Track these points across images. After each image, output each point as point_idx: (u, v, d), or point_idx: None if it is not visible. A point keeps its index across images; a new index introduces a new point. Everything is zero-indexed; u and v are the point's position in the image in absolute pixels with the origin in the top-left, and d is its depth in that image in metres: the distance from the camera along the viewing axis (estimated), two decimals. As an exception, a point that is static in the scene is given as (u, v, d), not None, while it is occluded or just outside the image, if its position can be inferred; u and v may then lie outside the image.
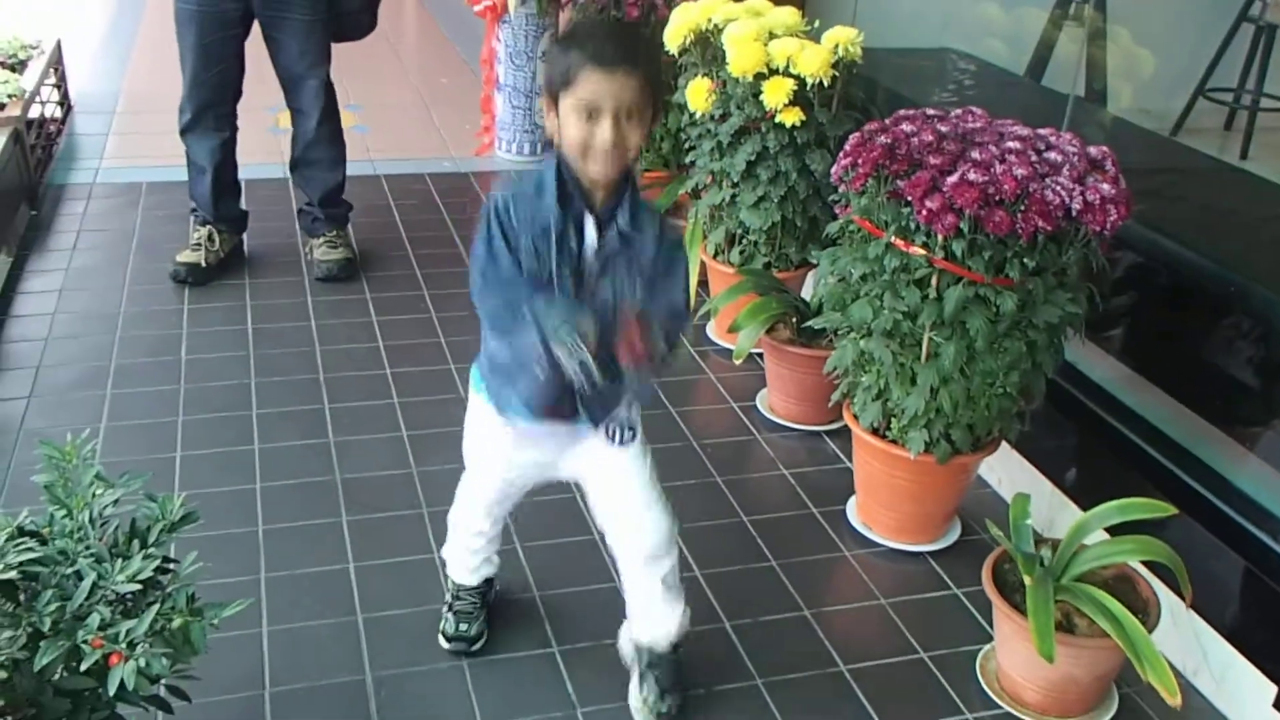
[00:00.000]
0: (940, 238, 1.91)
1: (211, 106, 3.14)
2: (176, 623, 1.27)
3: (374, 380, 2.77)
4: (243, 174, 3.36)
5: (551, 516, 2.23)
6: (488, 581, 1.96)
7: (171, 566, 1.40)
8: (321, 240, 3.33)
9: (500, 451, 1.72)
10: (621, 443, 1.66)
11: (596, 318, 1.45)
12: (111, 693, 1.19)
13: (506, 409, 1.63)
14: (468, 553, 1.91)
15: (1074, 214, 1.86)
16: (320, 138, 3.24)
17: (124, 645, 1.22)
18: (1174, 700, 1.64)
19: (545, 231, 1.47)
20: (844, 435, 2.49)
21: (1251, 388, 2.07)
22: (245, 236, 3.41)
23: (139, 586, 1.31)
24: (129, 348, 2.84)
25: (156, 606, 1.27)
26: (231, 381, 2.72)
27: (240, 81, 3.16)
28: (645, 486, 1.70)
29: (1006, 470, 2.41)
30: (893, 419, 2.15)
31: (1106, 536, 1.90)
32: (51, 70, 4.43)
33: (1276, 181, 2.60)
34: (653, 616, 1.78)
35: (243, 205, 3.40)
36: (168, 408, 2.59)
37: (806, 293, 2.83)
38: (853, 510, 2.36)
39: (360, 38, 3.28)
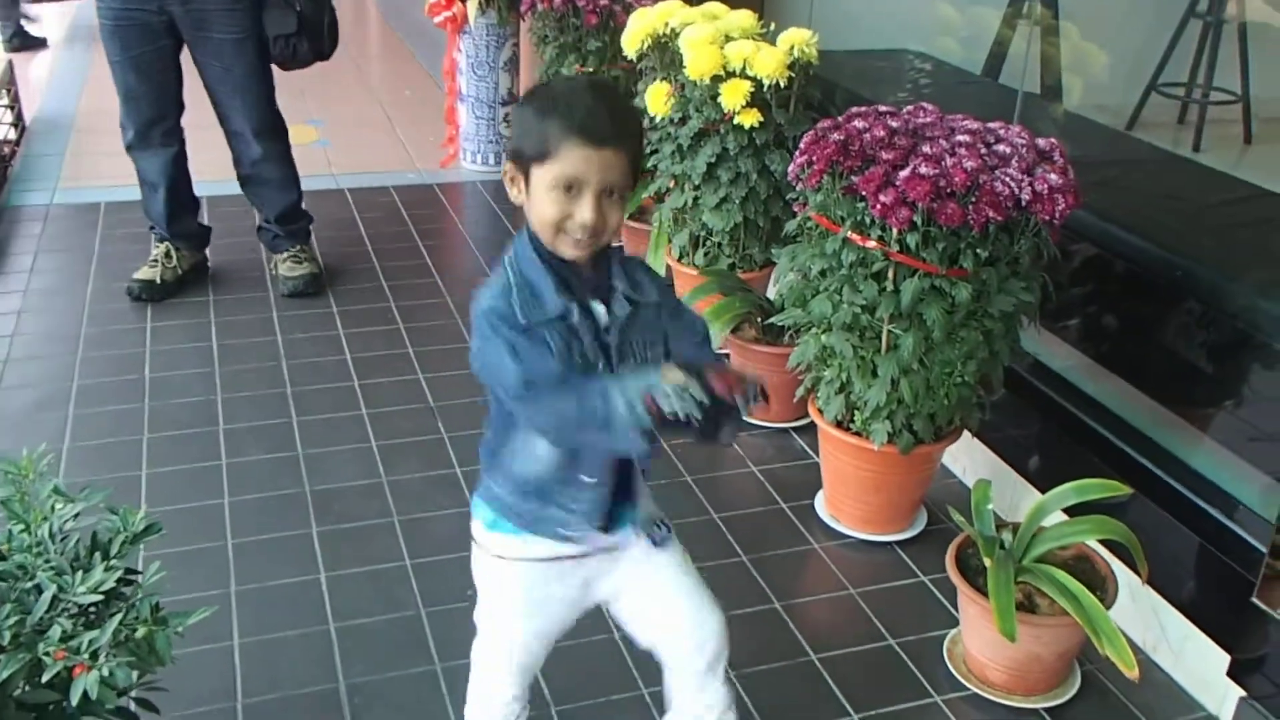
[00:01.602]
0: (895, 231, 1.94)
1: (155, 122, 3.08)
2: (140, 632, 1.27)
3: (342, 392, 2.77)
4: (211, 189, 3.36)
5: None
6: None
7: (134, 578, 1.39)
8: (285, 256, 3.30)
9: (528, 594, 1.46)
10: (660, 543, 1.48)
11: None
12: (75, 704, 1.19)
13: (550, 530, 1.40)
14: None
15: (1024, 204, 1.89)
16: (266, 157, 3.17)
17: (87, 656, 1.22)
18: (1131, 673, 1.67)
19: (562, 319, 1.29)
20: (810, 431, 2.52)
21: (1202, 371, 2.12)
22: (209, 252, 3.40)
23: (101, 598, 1.30)
24: (91, 368, 2.83)
25: (119, 616, 1.27)
26: (197, 398, 2.71)
27: (180, 93, 3.09)
28: (695, 587, 1.50)
29: (969, 459, 2.44)
30: (856, 411, 2.18)
31: (1065, 518, 1.93)
32: (4, 91, 4.41)
33: (1226, 172, 2.65)
34: None
35: (203, 221, 3.39)
36: (132, 426, 2.57)
37: (771, 292, 2.86)
38: (821, 503, 2.38)
39: (303, 66, 3.14)
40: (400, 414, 2.68)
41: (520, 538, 1.41)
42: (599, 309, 1.32)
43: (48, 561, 1.32)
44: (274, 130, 3.18)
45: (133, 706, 1.38)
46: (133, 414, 2.62)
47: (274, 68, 3.13)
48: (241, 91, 3.06)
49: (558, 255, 1.30)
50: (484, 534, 1.45)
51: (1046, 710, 1.87)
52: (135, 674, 1.26)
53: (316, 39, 3.09)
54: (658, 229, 3.02)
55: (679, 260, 2.98)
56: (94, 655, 1.23)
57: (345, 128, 4.87)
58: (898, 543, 2.28)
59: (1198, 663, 1.89)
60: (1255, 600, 1.73)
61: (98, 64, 5.61)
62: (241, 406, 2.68)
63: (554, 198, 1.26)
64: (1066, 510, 1.92)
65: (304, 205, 3.37)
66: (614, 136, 1.26)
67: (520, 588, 1.45)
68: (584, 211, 1.26)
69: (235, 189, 3.60)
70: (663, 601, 1.49)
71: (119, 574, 1.33)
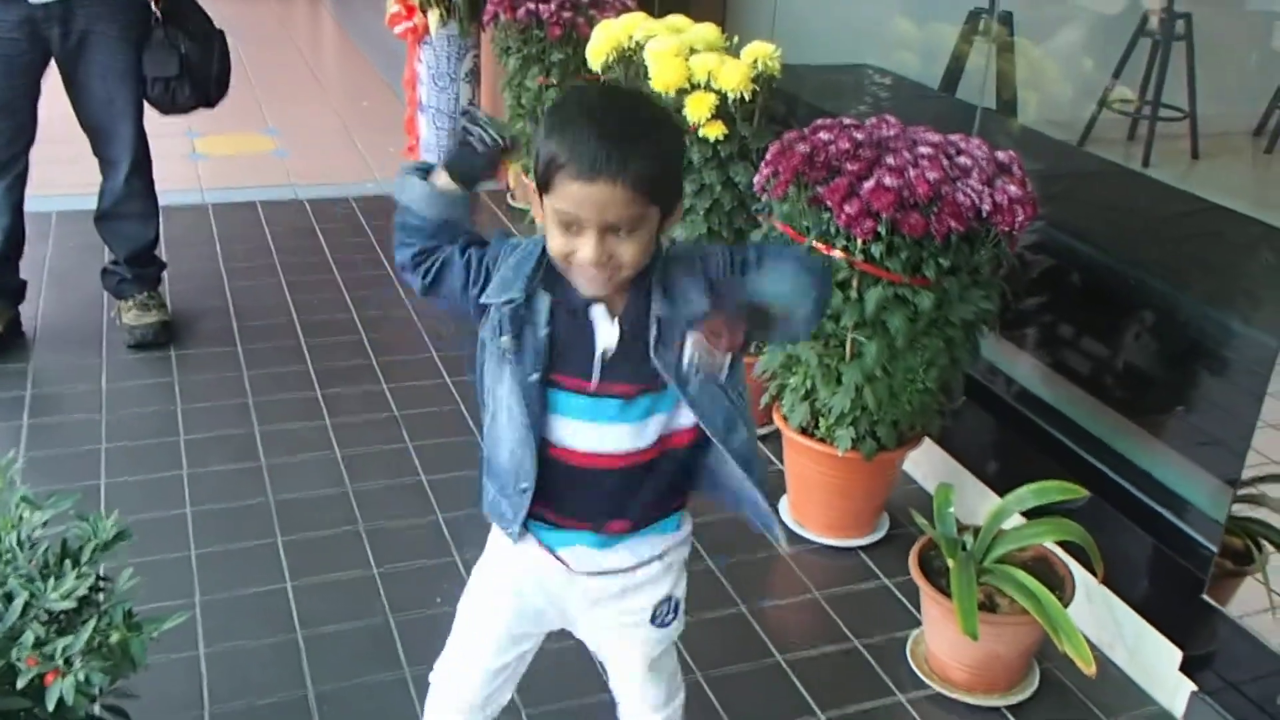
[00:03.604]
0: (859, 241, 1.98)
1: (8, 165, 2.78)
2: (115, 638, 1.26)
3: (305, 403, 2.75)
4: (160, 201, 3.30)
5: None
6: None
7: (106, 585, 1.38)
8: (131, 304, 2.98)
9: (509, 585, 1.40)
10: (664, 625, 1.41)
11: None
12: (51, 708, 1.18)
13: (496, 516, 1.36)
14: None
15: (984, 215, 1.95)
16: (132, 192, 2.91)
17: (61, 662, 1.21)
18: (1089, 669, 1.72)
19: (512, 305, 1.23)
20: (775, 439, 2.55)
21: (1155, 378, 2.18)
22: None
23: (74, 604, 1.29)
24: (45, 378, 2.79)
25: (93, 623, 1.26)
26: (157, 408, 2.68)
27: (34, 130, 2.81)
28: (669, 674, 1.48)
29: (930, 465, 2.49)
30: (820, 418, 2.21)
31: (1023, 521, 1.98)
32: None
33: (1175, 186, 2.74)
34: None
35: (20, 276, 3.03)
36: (90, 436, 2.54)
37: (733, 301, 2.89)
38: (785, 509, 2.41)
39: (183, 112, 2.91)
40: (364, 424, 2.67)
41: (503, 538, 1.37)
42: (604, 327, 1.23)
43: (17, 569, 1.31)
44: (146, 162, 2.95)
45: (99, 713, 1.37)
46: (91, 425, 2.59)
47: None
48: (124, 119, 2.83)
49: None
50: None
51: (1007, 707, 1.91)
52: (109, 680, 1.25)
53: (202, 86, 2.86)
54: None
55: (643, 270, 3.00)
56: (68, 661, 1.22)
57: (302, 138, 4.84)
58: (861, 548, 2.31)
59: (1151, 659, 1.95)
60: (1206, 597, 1.79)
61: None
62: (202, 417, 2.66)
63: (557, 233, 1.18)
64: (1024, 513, 1.97)
65: (159, 252, 3.10)
66: (608, 169, 1.12)
67: (501, 575, 1.41)
68: (584, 250, 1.16)
69: (189, 199, 3.50)
70: (631, 673, 1.46)
71: (91, 580, 1.32)
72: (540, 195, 1.19)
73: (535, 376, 1.25)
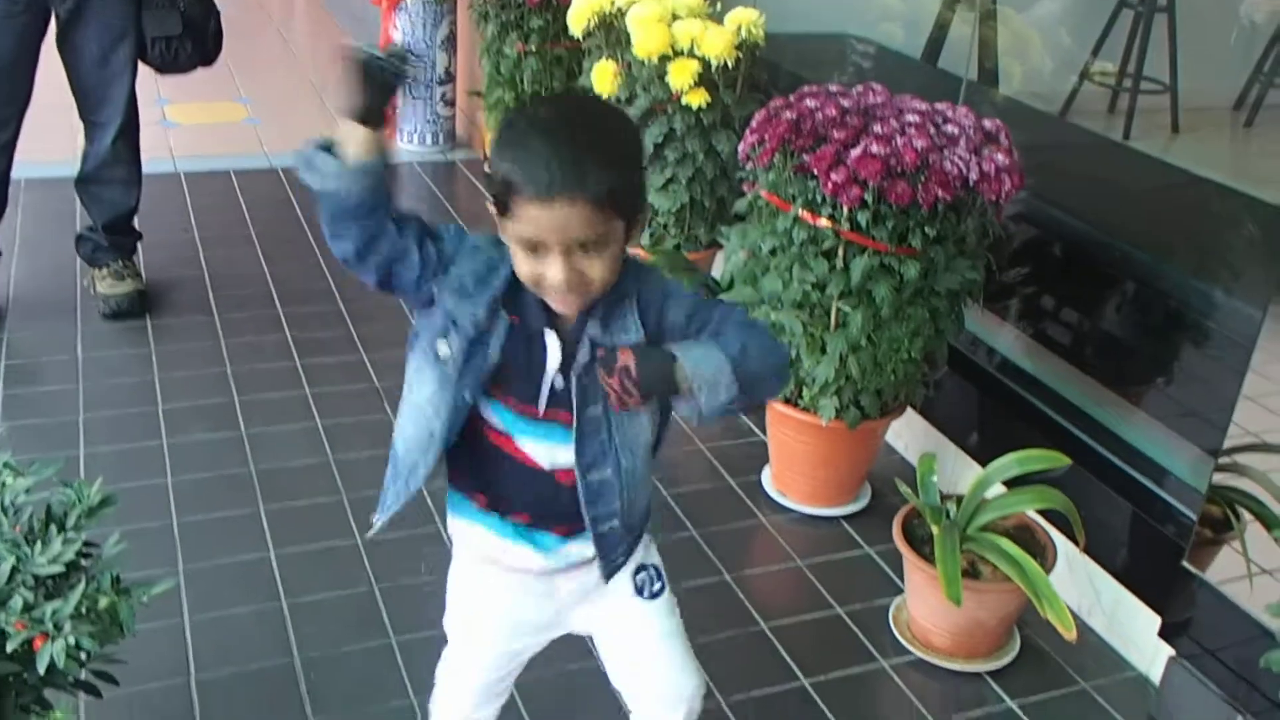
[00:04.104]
0: (846, 209, 1.98)
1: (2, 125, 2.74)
2: (104, 603, 1.25)
3: (285, 372, 2.72)
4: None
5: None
6: None
7: (93, 550, 1.37)
8: (106, 272, 2.93)
9: (495, 606, 1.36)
10: (652, 596, 1.38)
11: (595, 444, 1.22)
12: (42, 671, 1.17)
13: (458, 509, 1.31)
14: None
15: (971, 184, 1.95)
16: (118, 157, 2.86)
17: (50, 626, 1.20)
18: (1070, 635, 1.74)
19: (471, 320, 1.18)
20: (758, 409, 2.55)
21: (1135, 348, 2.20)
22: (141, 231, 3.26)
23: (61, 569, 1.28)
24: (19, 348, 2.74)
25: (81, 587, 1.25)
26: (134, 378, 2.65)
27: (29, 96, 2.75)
28: (676, 650, 1.41)
29: (912, 435, 2.51)
30: (804, 388, 2.22)
31: (1005, 491, 2.00)
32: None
33: (1156, 156, 2.75)
34: None
35: None
36: (67, 406, 2.50)
37: (716, 272, 2.89)
38: (768, 479, 2.43)
39: (182, 71, 2.89)
40: (344, 393, 2.65)
41: (467, 521, 1.31)
42: (553, 348, 1.19)
43: (3, 534, 1.29)
44: (134, 128, 2.91)
45: (87, 678, 1.36)
46: (67, 394, 2.55)
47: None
48: (118, 81, 2.78)
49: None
50: (450, 521, 1.34)
51: (988, 673, 1.94)
52: (98, 644, 1.24)
53: (201, 43, 2.85)
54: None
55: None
56: (57, 626, 1.20)
57: (275, 106, 4.77)
58: (843, 517, 2.33)
59: (1129, 626, 1.98)
60: (1185, 564, 1.82)
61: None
62: (180, 386, 2.63)
63: (522, 256, 1.13)
64: (1006, 483, 1.99)
65: (136, 222, 3.04)
66: (565, 188, 1.07)
67: (483, 596, 1.36)
68: (553, 272, 1.12)
69: (160, 168, 3.42)
70: (640, 656, 1.41)
71: (78, 545, 1.30)
72: (500, 219, 1.15)
73: (468, 398, 1.21)
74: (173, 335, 2.86)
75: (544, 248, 1.11)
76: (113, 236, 2.96)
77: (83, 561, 1.34)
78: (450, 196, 3.92)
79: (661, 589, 1.40)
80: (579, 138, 1.11)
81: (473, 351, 1.19)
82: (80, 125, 2.90)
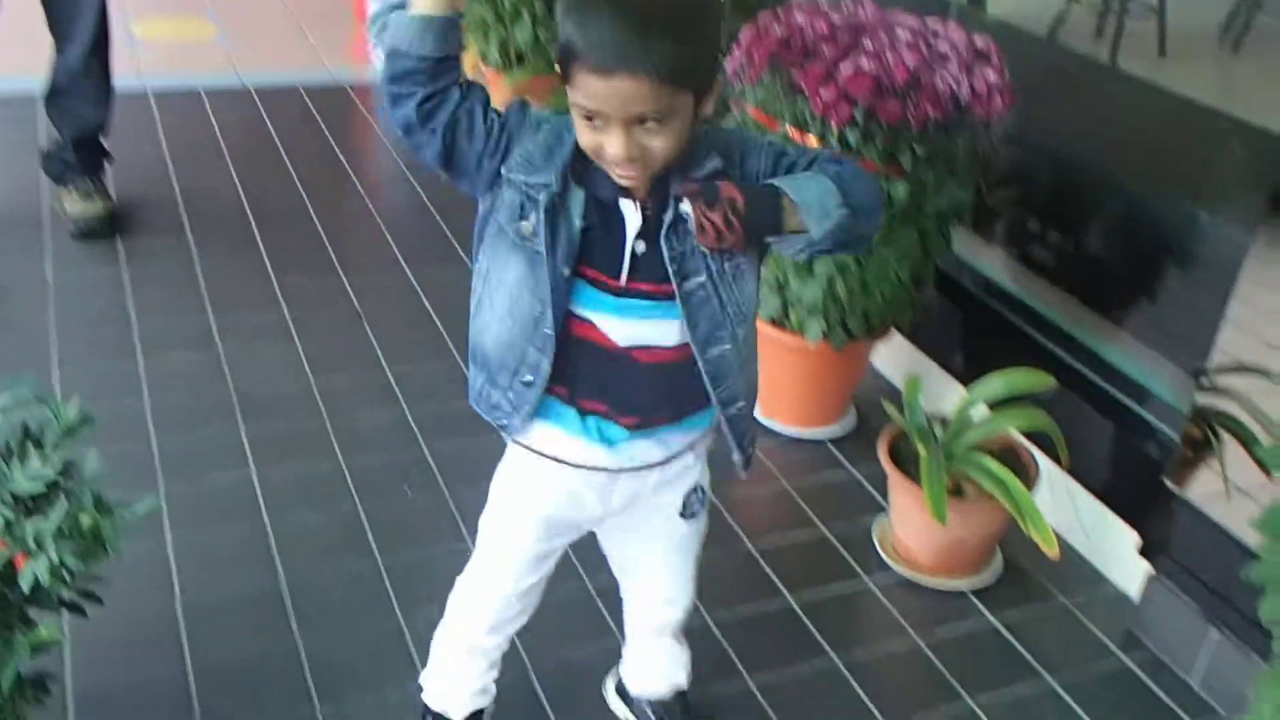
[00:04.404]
0: (835, 128, 1.95)
1: None
2: (86, 521, 1.23)
3: (262, 292, 2.68)
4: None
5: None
6: (477, 714, 1.55)
7: (71, 469, 1.34)
8: (74, 191, 2.83)
9: (549, 504, 1.34)
10: (691, 515, 1.40)
11: (690, 317, 1.18)
12: (26, 590, 1.15)
13: (490, 413, 1.28)
14: (460, 679, 1.51)
15: (962, 103, 1.92)
16: (89, 70, 2.77)
17: (32, 544, 1.18)
18: (1052, 552, 1.77)
19: (547, 192, 1.14)
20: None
21: (1121, 271, 2.20)
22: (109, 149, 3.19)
23: (41, 488, 1.26)
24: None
25: (64, 506, 1.23)
26: (106, 298, 2.59)
27: None
28: (692, 565, 1.47)
29: (897, 359, 2.51)
30: (791, 310, 2.21)
31: (989, 413, 2.00)
32: None
33: (1142, 78, 2.72)
34: (656, 671, 1.59)
35: None
36: (38, 329, 2.45)
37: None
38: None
39: None
40: (323, 313, 2.62)
41: (541, 420, 1.27)
42: (632, 218, 1.15)
43: (-21, 452, 1.27)
44: (105, 42, 2.82)
45: (72, 599, 1.34)
46: (38, 317, 2.50)
47: None
48: None
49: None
50: (510, 419, 1.28)
51: (971, 590, 1.97)
52: (82, 563, 1.22)
53: None
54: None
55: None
56: (39, 544, 1.18)
57: (244, 23, 4.61)
58: (830, 440, 2.34)
59: (1110, 544, 2.01)
60: (1165, 480, 1.84)
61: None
62: (154, 306, 2.58)
63: (582, 125, 1.09)
64: (991, 405, 2.00)
65: (106, 142, 2.93)
66: (625, 61, 1.01)
67: (543, 489, 1.33)
68: (613, 145, 1.07)
69: (126, 85, 3.32)
70: (653, 560, 1.45)
71: (57, 464, 1.28)
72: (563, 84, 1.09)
73: (568, 271, 1.16)
74: (145, 255, 2.79)
75: (605, 120, 1.06)
76: (81, 153, 2.87)
77: (63, 481, 1.32)
78: (427, 117, 3.83)
79: (700, 510, 1.40)
80: (646, 4, 1.03)
81: (556, 224, 1.15)
82: (49, 40, 2.80)
